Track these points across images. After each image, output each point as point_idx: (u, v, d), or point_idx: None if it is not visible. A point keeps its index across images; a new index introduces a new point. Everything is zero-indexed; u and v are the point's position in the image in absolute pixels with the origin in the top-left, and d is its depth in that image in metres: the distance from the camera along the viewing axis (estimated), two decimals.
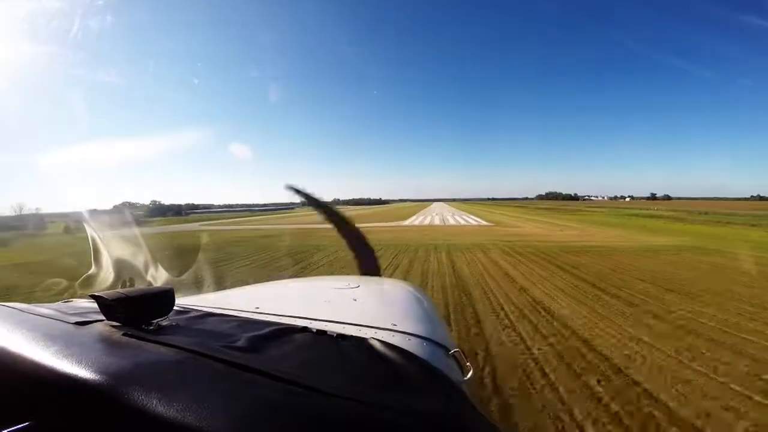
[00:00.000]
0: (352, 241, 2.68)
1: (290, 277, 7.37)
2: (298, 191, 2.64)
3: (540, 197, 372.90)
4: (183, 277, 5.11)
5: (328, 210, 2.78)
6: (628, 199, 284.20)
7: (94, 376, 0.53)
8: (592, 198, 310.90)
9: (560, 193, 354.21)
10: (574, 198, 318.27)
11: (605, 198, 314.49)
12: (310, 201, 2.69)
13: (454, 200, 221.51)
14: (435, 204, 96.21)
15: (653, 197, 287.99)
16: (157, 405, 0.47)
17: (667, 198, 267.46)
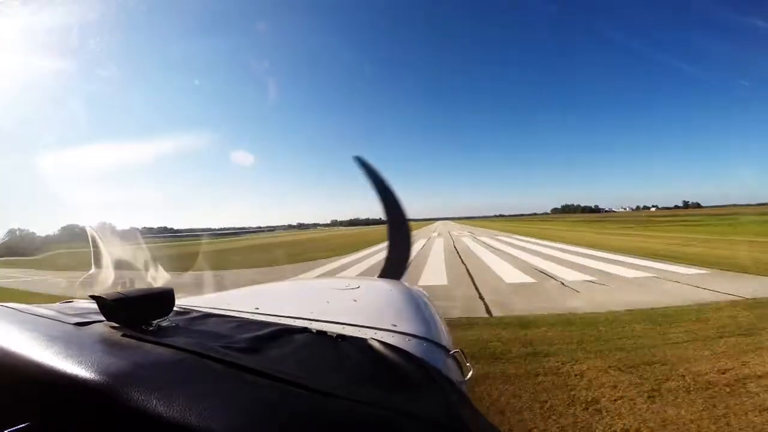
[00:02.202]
0: (394, 237, 2.62)
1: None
2: (364, 164, 2.65)
3: (555, 211, 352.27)
4: None
5: (389, 198, 2.61)
6: (653, 209, 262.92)
7: (94, 376, 0.52)
8: (615, 210, 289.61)
9: (578, 206, 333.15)
10: (596, 210, 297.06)
11: (628, 209, 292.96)
12: (374, 179, 2.66)
13: (458, 219, 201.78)
14: (438, 223, 77.24)
15: (686, 206, 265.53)
16: (157, 406, 0.47)
17: (698, 206, 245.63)
